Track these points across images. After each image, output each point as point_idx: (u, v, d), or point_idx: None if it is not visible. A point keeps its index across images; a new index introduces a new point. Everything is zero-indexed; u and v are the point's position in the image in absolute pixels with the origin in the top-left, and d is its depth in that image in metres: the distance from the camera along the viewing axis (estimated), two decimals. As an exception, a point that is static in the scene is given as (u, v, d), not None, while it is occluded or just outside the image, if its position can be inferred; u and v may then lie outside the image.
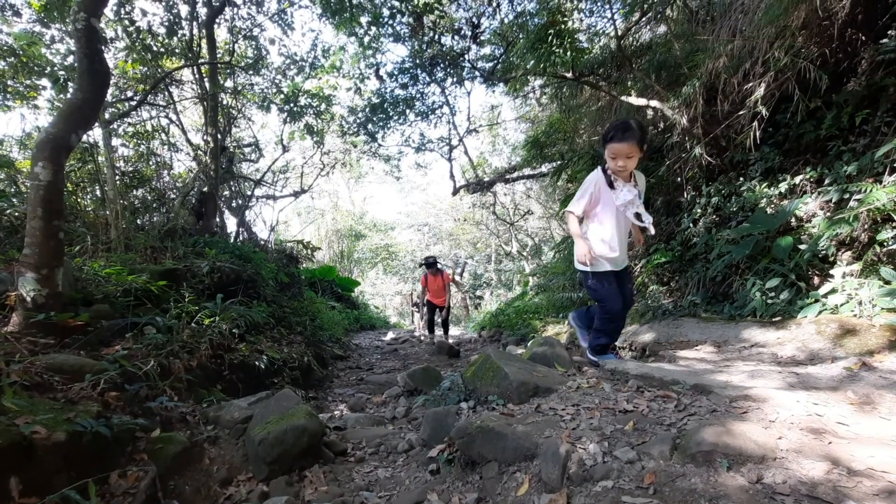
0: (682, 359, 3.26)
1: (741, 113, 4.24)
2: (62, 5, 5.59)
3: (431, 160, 33.11)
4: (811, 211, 3.81)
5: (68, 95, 5.15)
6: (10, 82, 5.92)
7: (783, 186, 4.05)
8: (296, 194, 13.26)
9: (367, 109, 10.84)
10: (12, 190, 4.87)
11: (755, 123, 4.09)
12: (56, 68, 5.93)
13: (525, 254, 19.54)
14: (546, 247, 18.45)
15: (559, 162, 8.24)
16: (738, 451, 1.47)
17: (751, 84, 4.10)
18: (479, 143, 17.33)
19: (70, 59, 5.88)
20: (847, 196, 3.48)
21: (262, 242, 8.51)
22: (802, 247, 3.51)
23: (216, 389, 3.10)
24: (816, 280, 3.47)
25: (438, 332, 8.75)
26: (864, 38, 3.79)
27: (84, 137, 3.37)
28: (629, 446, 1.65)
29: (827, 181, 3.75)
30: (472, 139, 14.63)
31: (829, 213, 3.63)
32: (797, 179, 4.01)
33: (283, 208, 15.24)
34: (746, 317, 3.64)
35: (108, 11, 5.37)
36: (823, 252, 3.42)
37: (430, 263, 8.34)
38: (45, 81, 5.97)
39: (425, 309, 8.90)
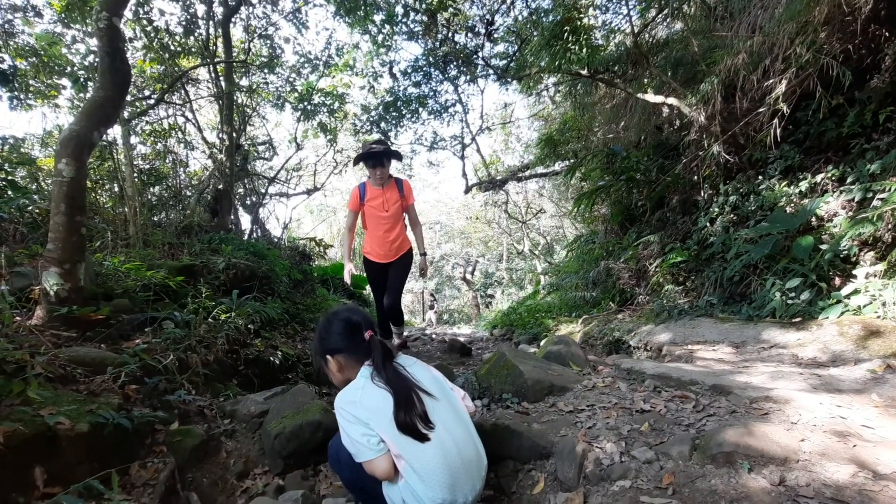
0: (700, 359, 3.21)
1: (761, 110, 4.17)
2: (83, 5, 5.69)
3: (444, 158, 33.15)
4: (833, 210, 3.73)
5: (88, 94, 5.26)
6: (31, 81, 6.05)
7: (804, 185, 3.97)
8: (309, 192, 13.37)
9: (381, 107, 10.87)
10: (34, 187, 4.97)
11: (775, 121, 4.02)
12: (76, 68, 6.05)
13: (537, 252, 19.46)
14: (558, 245, 18.36)
15: (573, 160, 8.21)
16: (759, 452, 1.45)
17: (771, 81, 4.03)
18: (491, 141, 17.34)
19: (90, 58, 5.99)
20: (870, 195, 3.41)
21: (276, 240, 8.60)
22: (824, 247, 3.43)
23: (232, 384, 3.14)
24: (838, 281, 3.40)
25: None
26: (888, 34, 3.70)
27: (104, 135, 3.43)
28: (647, 446, 1.64)
29: (849, 180, 3.67)
30: (484, 137, 14.62)
31: (851, 213, 3.55)
32: (818, 178, 3.93)
33: (296, 206, 15.39)
34: (765, 317, 3.58)
35: (128, 11, 5.44)
36: (845, 252, 3.34)
37: (379, 153, 3.75)
38: (65, 81, 6.09)
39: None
